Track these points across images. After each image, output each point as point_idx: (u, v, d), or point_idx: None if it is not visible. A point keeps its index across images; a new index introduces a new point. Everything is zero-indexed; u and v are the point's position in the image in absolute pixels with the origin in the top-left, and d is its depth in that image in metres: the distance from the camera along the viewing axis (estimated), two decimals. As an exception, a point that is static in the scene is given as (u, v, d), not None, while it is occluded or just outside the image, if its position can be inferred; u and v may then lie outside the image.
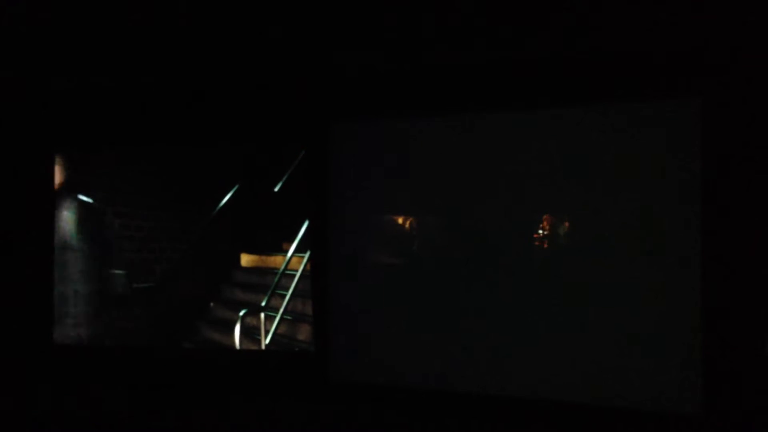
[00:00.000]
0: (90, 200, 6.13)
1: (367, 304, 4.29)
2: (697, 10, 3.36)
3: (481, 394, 4.02)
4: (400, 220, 4.31)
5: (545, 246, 3.92)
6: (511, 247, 3.96)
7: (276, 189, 8.21)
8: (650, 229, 3.61)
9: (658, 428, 3.63)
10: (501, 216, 3.97)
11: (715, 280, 3.46)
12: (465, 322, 4.05)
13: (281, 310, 6.80)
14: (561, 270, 3.87)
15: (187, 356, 5.62)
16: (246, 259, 9.04)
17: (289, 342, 6.93)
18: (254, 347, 6.86)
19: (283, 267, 7.23)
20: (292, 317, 7.02)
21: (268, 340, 6.69)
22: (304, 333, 6.82)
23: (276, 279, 7.13)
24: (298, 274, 6.91)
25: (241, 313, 6.73)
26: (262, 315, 6.74)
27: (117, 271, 6.82)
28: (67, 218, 5.75)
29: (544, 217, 3.91)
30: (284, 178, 8.22)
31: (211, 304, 8.42)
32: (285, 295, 6.85)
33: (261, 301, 6.87)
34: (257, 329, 6.83)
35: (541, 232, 3.92)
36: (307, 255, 6.45)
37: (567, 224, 3.89)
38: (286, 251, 7.42)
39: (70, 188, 5.86)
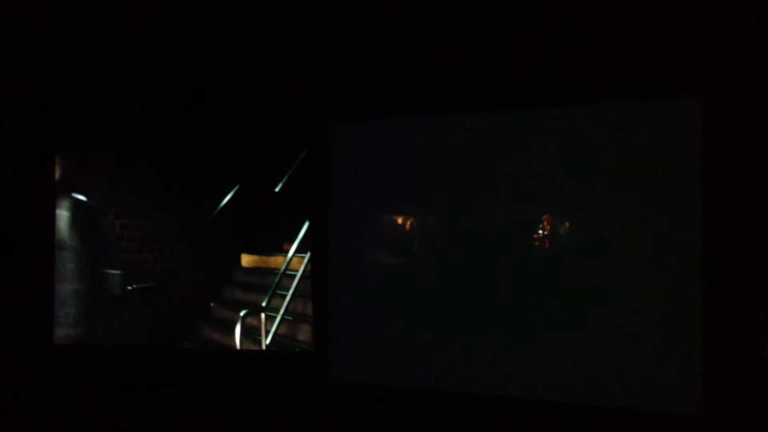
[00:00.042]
0: (84, 198, 6.10)
1: (367, 304, 4.29)
2: (697, 10, 3.38)
3: (481, 394, 4.02)
4: (400, 220, 4.31)
5: (545, 246, 3.92)
6: (511, 247, 3.95)
7: (277, 189, 8.23)
8: (650, 229, 3.60)
9: (658, 428, 3.62)
10: (501, 216, 3.96)
11: (715, 280, 3.46)
12: (465, 322, 4.04)
13: (282, 311, 6.82)
14: (561, 270, 3.86)
15: (187, 356, 5.62)
16: (246, 260, 9.06)
17: (290, 342, 6.94)
18: (255, 348, 6.86)
19: (283, 267, 7.25)
20: (293, 318, 7.03)
21: (268, 341, 6.71)
22: (304, 333, 6.83)
23: (276, 279, 7.15)
24: (298, 275, 6.93)
25: (242, 314, 6.74)
26: (263, 315, 6.75)
27: (112, 271, 6.79)
28: (59, 216, 5.73)
29: (544, 217, 3.91)
30: (285, 179, 8.24)
31: (212, 304, 8.43)
32: (285, 296, 6.87)
33: (261, 302, 6.88)
34: (258, 330, 6.85)
35: (541, 232, 3.92)
36: (307, 255, 6.46)
37: (567, 224, 3.89)
38: (287, 251, 7.44)
39: (65, 187, 5.84)
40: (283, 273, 7.19)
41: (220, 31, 3.88)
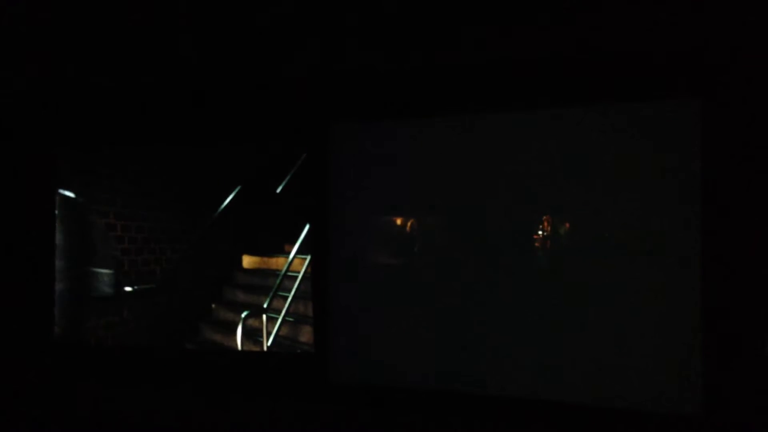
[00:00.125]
0: (72, 195, 6.07)
1: (367, 304, 4.29)
2: (697, 10, 3.37)
3: (482, 395, 4.01)
4: (401, 220, 4.31)
5: (545, 246, 3.91)
6: (511, 247, 3.95)
7: (278, 190, 8.23)
8: (650, 229, 3.60)
9: (658, 429, 3.62)
10: (501, 216, 3.96)
11: (715, 280, 3.46)
12: (465, 322, 4.04)
13: (283, 312, 6.81)
14: (561, 270, 3.86)
15: (187, 356, 5.61)
16: (248, 261, 9.07)
17: (291, 344, 6.94)
18: (256, 349, 6.86)
19: (285, 269, 7.24)
20: (294, 319, 7.03)
21: (270, 342, 6.70)
22: (306, 335, 6.83)
23: (278, 281, 7.14)
24: (300, 276, 6.94)
25: (243, 315, 6.73)
26: (264, 317, 6.75)
27: (101, 270, 6.75)
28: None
29: (544, 217, 3.90)
30: (286, 180, 8.24)
31: (213, 305, 8.43)
32: (287, 297, 6.87)
33: (263, 303, 6.89)
34: (259, 331, 6.84)
35: (541, 232, 3.92)
36: (309, 257, 6.45)
37: (567, 224, 3.88)
38: (288, 253, 7.44)
39: (65, 187, 5.82)
40: (285, 274, 7.19)
41: (221, 31, 3.88)
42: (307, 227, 6.99)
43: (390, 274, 4.30)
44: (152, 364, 4.90)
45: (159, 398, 4.67)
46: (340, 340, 4.35)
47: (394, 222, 4.32)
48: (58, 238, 5.04)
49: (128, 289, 7.19)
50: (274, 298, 6.91)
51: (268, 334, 6.73)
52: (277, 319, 6.79)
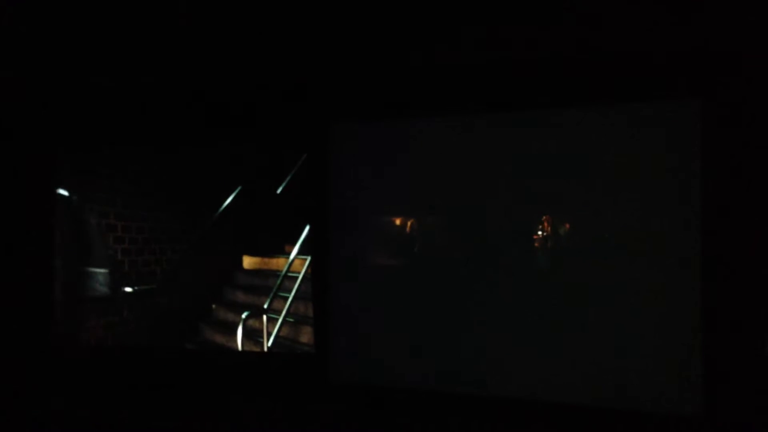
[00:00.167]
0: (66, 193, 6.05)
1: (367, 305, 4.29)
2: (697, 10, 3.36)
3: (482, 395, 4.02)
4: (401, 221, 4.31)
5: (545, 246, 3.91)
6: (511, 247, 3.95)
7: (279, 191, 8.23)
8: (650, 229, 3.60)
9: (658, 429, 3.62)
10: (501, 216, 3.96)
11: (715, 280, 3.46)
12: (465, 322, 4.04)
13: (284, 313, 6.79)
14: (561, 270, 3.86)
15: (187, 357, 5.61)
16: (248, 261, 9.05)
17: (292, 344, 6.92)
18: (257, 350, 6.85)
19: (285, 269, 7.24)
20: (295, 320, 7.01)
21: (270, 343, 6.69)
22: (306, 335, 6.81)
23: (278, 281, 7.14)
24: (300, 277, 6.93)
25: (244, 316, 6.73)
26: (265, 317, 6.74)
27: (96, 269, 6.72)
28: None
29: (544, 217, 3.90)
30: (287, 180, 8.24)
31: (213, 306, 8.41)
32: (287, 298, 6.85)
33: (263, 304, 6.88)
34: (259, 332, 6.83)
35: (541, 232, 3.92)
36: (309, 257, 6.45)
37: (567, 224, 3.88)
38: (289, 253, 7.43)
39: (65, 187, 5.81)
40: (285, 275, 7.18)
41: (220, 31, 3.87)
42: (307, 228, 6.97)
43: (390, 274, 4.30)
44: (152, 365, 4.90)
45: (159, 398, 4.67)
46: (340, 340, 4.35)
47: (394, 222, 4.32)
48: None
49: (129, 289, 7.18)
50: (274, 299, 6.91)
51: (269, 334, 6.72)
52: (277, 319, 6.78)
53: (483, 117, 4.03)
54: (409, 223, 4.29)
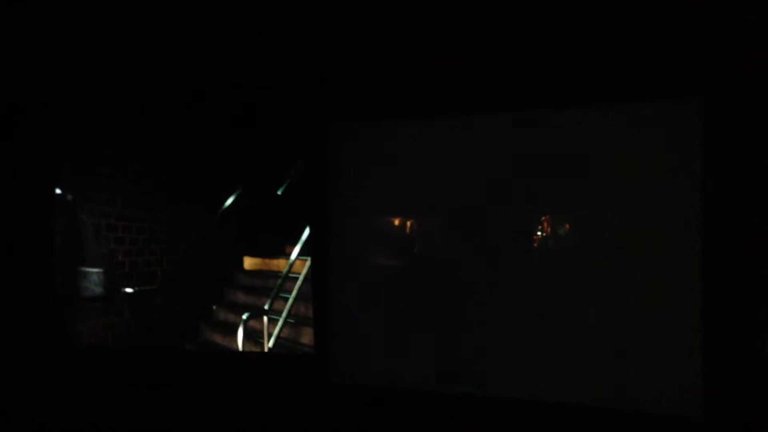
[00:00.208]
0: (59, 191, 6.01)
1: (367, 305, 4.29)
2: (697, 10, 3.37)
3: (481, 395, 4.01)
4: (401, 221, 4.30)
5: (545, 246, 3.91)
6: (511, 247, 3.95)
7: (279, 192, 8.22)
8: (650, 229, 3.60)
9: (658, 429, 3.62)
10: (501, 216, 3.96)
11: (715, 280, 3.45)
12: (465, 322, 4.04)
13: (284, 314, 6.79)
14: (561, 270, 3.86)
15: (187, 357, 5.61)
16: (249, 262, 9.04)
17: (293, 345, 6.92)
18: (257, 350, 6.85)
19: (286, 270, 7.23)
20: (295, 321, 7.00)
21: (271, 344, 6.69)
22: (307, 336, 6.81)
23: (279, 282, 7.13)
24: (301, 277, 6.92)
25: (244, 317, 6.73)
26: (266, 318, 6.73)
27: (90, 269, 6.69)
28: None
29: (544, 217, 3.90)
30: (288, 181, 8.23)
31: (214, 306, 8.41)
32: (288, 299, 6.86)
33: (264, 305, 6.86)
34: (260, 333, 6.82)
35: (541, 232, 3.91)
36: (310, 258, 6.45)
37: (567, 224, 3.88)
38: (290, 254, 7.42)
39: (65, 188, 5.80)
40: (286, 276, 7.18)
41: (220, 31, 3.88)
42: (308, 229, 6.97)
43: (390, 274, 4.30)
44: (152, 365, 4.90)
45: (159, 399, 4.67)
46: (341, 340, 4.35)
47: (394, 222, 4.32)
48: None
49: (129, 290, 7.19)
50: (275, 300, 6.90)
51: (270, 335, 6.72)
52: (278, 320, 6.78)
53: (483, 117, 4.03)
54: (409, 223, 4.29)
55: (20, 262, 4.86)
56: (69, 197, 6.13)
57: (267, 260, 8.80)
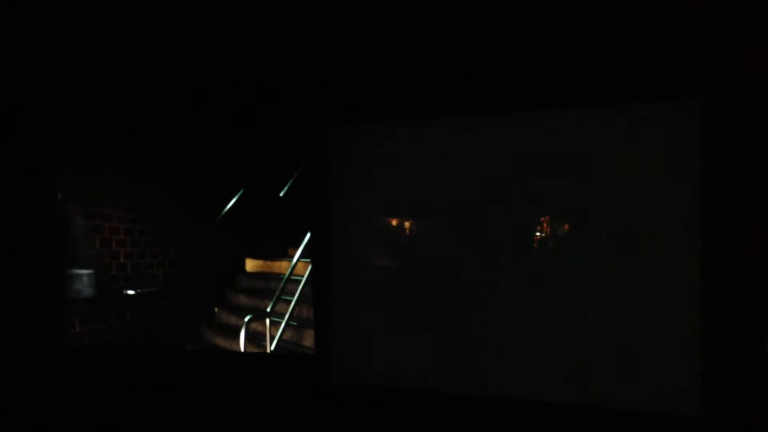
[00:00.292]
0: None
1: (367, 305, 4.29)
2: (697, 10, 3.37)
3: (482, 395, 4.01)
4: (401, 221, 4.30)
5: (545, 246, 3.90)
6: (511, 247, 3.94)
7: (281, 194, 8.23)
8: (650, 229, 3.59)
9: (658, 429, 3.61)
10: (501, 216, 3.95)
11: (715, 280, 3.45)
12: (465, 322, 4.04)
13: (286, 316, 6.79)
14: (561, 270, 3.85)
15: (187, 358, 5.61)
16: (251, 264, 9.06)
17: (295, 347, 6.92)
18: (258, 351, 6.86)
19: (288, 272, 7.23)
20: (298, 323, 7.01)
21: (273, 346, 6.69)
22: (309, 339, 6.80)
23: (281, 284, 7.13)
24: (303, 280, 6.93)
25: (247, 319, 6.72)
26: (268, 321, 6.73)
27: (81, 271, 6.66)
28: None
29: (544, 217, 3.90)
30: (290, 183, 8.23)
31: (216, 309, 8.42)
32: (290, 301, 6.86)
33: (266, 307, 6.86)
34: (262, 335, 6.83)
35: (540, 232, 3.91)
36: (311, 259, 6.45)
37: (567, 224, 3.87)
38: (292, 257, 7.42)
39: (65, 188, 5.79)
40: (288, 278, 7.17)
41: (220, 31, 3.88)
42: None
43: (390, 274, 4.30)
44: (153, 365, 4.90)
45: (159, 399, 4.67)
46: (341, 340, 4.35)
47: (394, 222, 4.31)
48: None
49: (131, 292, 7.19)
50: (277, 302, 6.90)
51: (272, 338, 6.72)
52: (280, 323, 6.78)
53: (483, 117, 4.03)
54: (409, 224, 4.29)
55: (20, 262, 4.88)
56: (60, 197, 6.10)
57: (269, 262, 8.81)
